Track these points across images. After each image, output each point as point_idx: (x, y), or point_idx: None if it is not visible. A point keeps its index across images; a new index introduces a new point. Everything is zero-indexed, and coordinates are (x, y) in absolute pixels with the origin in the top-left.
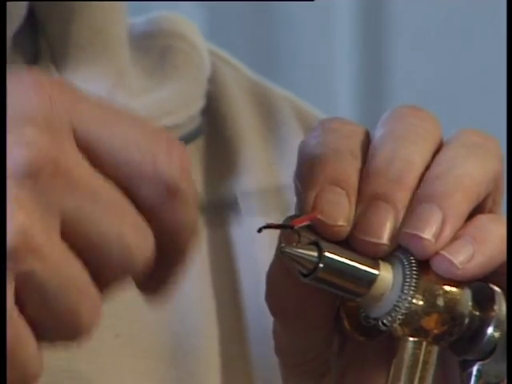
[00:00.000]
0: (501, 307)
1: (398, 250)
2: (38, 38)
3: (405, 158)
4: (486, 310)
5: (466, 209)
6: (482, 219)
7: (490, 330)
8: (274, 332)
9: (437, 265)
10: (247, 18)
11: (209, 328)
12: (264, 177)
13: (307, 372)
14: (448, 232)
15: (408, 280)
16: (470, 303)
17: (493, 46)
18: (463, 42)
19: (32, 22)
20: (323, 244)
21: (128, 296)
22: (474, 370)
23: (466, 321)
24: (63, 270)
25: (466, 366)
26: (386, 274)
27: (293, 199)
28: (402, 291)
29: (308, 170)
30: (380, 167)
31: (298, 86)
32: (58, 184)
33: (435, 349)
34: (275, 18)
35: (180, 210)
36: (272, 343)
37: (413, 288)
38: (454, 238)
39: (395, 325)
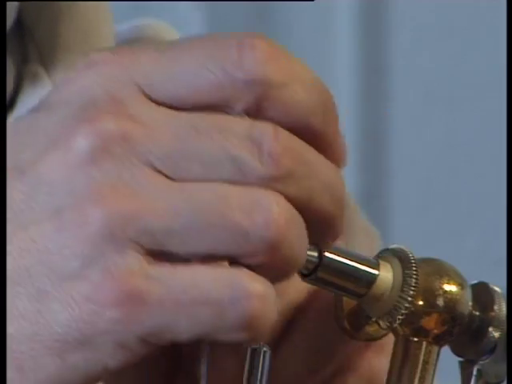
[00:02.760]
0: (501, 307)
1: (398, 250)
2: (26, 40)
3: None
4: (486, 310)
5: None
6: None
7: (490, 330)
8: None
9: None
10: (247, 18)
11: None
12: None
13: None
14: None
15: (408, 280)
16: (470, 303)
17: (493, 46)
18: (463, 41)
19: (20, 23)
20: (323, 244)
21: None
22: (474, 370)
23: (466, 321)
24: None
25: (466, 366)
26: (386, 274)
27: None
28: (402, 291)
29: None
30: None
31: None
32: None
33: (435, 349)
34: (275, 18)
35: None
36: None
37: (413, 288)
38: None
39: (395, 325)
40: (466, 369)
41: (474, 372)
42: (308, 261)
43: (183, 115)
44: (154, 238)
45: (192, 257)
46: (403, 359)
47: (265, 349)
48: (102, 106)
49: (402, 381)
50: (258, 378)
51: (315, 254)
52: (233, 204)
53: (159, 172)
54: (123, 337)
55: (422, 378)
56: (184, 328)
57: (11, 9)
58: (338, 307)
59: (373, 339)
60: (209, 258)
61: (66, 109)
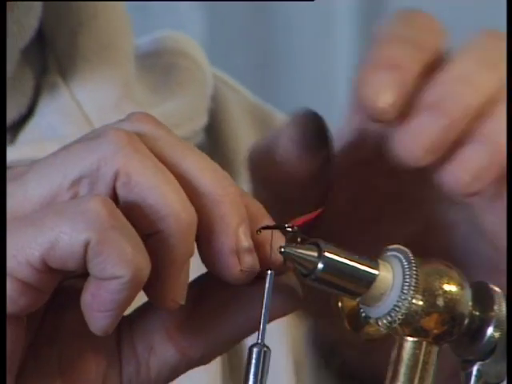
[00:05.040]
0: (501, 307)
1: (398, 250)
2: (47, 52)
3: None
4: (485, 310)
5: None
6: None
7: (489, 330)
8: None
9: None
10: (247, 18)
11: None
12: None
13: None
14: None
15: (408, 280)
16: (469, 303)
17: None
18: (463, 41)
19: (41, 35)
20: (323, 244)
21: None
22: (474, 370)
23: (466, 321)
24: None
25: (466, 366)
26: (385, 274)
27: None
28: (402, 291)
29: (369, 55)
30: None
31: (298, 86)
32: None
33: (435, 349)
34: (275, 18)
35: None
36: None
37: (413, 288)
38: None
39: (395, 325)
40: (465, 369)
41: (474, 372)
42: (308, 261)
43: None
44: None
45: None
46: (403, 359)
47: (265, 349)
48: None
49: (402, 381)
50: (259, 377)
51: (315, 254)
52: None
53: None
54: None
55: (422, 378)
56: (33, 238)
57: (33, 18)
58: (338, 307)
59: (373, 339)
60: None
61: None
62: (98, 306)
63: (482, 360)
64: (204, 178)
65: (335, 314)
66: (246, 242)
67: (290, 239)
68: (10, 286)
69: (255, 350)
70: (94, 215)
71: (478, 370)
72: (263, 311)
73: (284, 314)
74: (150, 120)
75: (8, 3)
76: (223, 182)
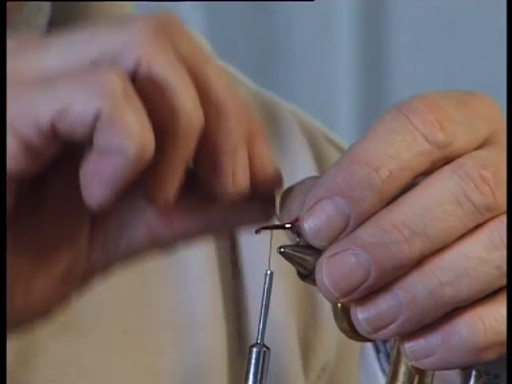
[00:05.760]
0: None
1: None
2: None
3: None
4: None
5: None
6: None
7: None
8: None
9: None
10: (247, 18)
11: (215, 322)
12: None
13: None
14: None
15: None
16: None
17: (493, 46)
18: (463, 41)
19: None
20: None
21: (135, 292)
22: (474, 369)
23: None
24: None
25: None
26: None
27: None
28: None
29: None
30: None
31: (298, 86)
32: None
33: None
34: (275, 18)
35: None
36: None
37: None
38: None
39: None
40: (465, 369)
41: (474, 372)
42: (307, 261)
43: None
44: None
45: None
46: (402, 360)
47: (264, 349)
48: None
49: (402, 381)
50: (258, 377)
51: (314, 254)
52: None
53: None
54: None
55: (422, 378)
56: (45, 101)
57: (42, 17)
58: (337, 308)
59: (372, 340)
60: None
61: None
62: (98, 179)
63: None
64: (219, 88)
65: (335, 314)
66: (242, 162)
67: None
68: (13, 145)
69: (255, 350)
70: (109, 86)
71: (478, 370)
72: (263, 311)
73: (250, 226)
74: (176, 21)
75: (18, 3)
76: (235, 96)
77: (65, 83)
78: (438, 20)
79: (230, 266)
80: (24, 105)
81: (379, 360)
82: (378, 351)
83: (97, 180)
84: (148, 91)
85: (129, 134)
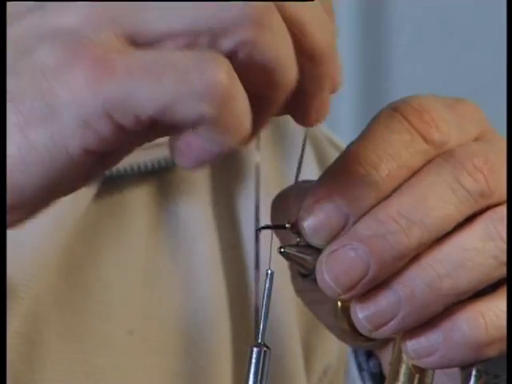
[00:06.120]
0: None
1: None
2: None
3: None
4: None
5: None
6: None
7: None
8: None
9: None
10: None
11: (221, 323)
12: (271, 182)
13: None
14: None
15: None
16: None
17: (493, 46)
18: (463, 41)
19: None
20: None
21: (141, 293)
22: (474, 370)
23: None
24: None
25: (465, 366)
26: None
27: None
28: None
29: None
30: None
31: None
32: None
33: None
34: None
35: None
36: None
37: None
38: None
39: None
40: (465, 369)
41: (474, 372)
42: (307, 261)
43: None
44: (130, 16)
45: (170, 37)
46: (402, 360)
47: (265, 349)
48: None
49: (402, 381)
50: (258, 377)
51: (314, 254)
52: None
53: None
54: (88, 109)
55: (422, 378)
56: (147, 97)
57: None
58: (338, 308)
59: (372, 339)
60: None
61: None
62: (191, 157)
63: (482, 360)
64: (315, 33)
65: (335, 314)
66: (326, 106)
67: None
68: (103, 125)
69: (255, 349)
70: (216, 88)
71: (478, 370)
72: (263, 311)
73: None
74: None
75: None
76: (331, 43)
77: (170, 79)
78: (438, 20)
79: (235, 266)
80: (124, 92)
81: (363, 379)
82: (360, 369)
83: (189, 157)
84: (250, 67)
85: (231, 135)
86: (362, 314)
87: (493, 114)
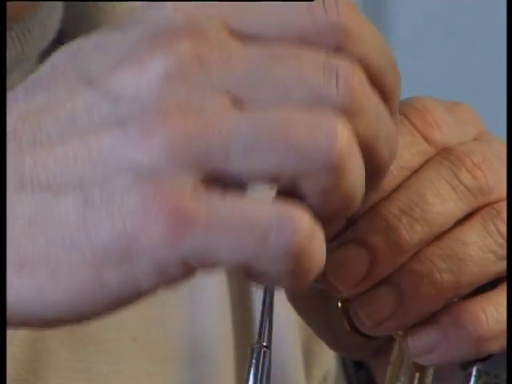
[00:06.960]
0: None
1: None
2: None
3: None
4: None
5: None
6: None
7: None
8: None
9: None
10: None
11: (224, 331)
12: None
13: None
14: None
15: None
16: None
17: (493, 46)
18: (463, 41)
19: (60, 41)
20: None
21: (145, 299)
22: (474, 370)
23: None
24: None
25: (465, 366)
26: None
27: None
28: None
29: None
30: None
31: None
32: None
33: None
34: None
35: None
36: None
37: None
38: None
39: None
40: (465, 369)
41: (474, 372)
42: None
43: (261, 46)
44: (213, 157)
45: (251, 178)
46: (402, 360)
47: (265, 349)
48: (180, 29)
49: (402, 381)
50: (258, 377)
51: None
52: (297, 123)
53: (231, 97)
54: (165, 257)
55: (422, 378)
56: (226, 252)
57: (55, 21)
58: (337, 307)
59: (372, 339)
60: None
61: (142, 29)
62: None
63: (482, 360)
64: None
65: (335, 314)
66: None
67: None
68: (178, 270)
69: (255, 349)
70: (297, 250)
71: (478, 370)
72: (263, 310)
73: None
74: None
75: (32, 3)
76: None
77: (249, 237)
78: (438, 20)
79: (238, 275)
80: (203, 246)
81: None
82: (350, 382)
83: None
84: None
85: (306, 280)
86: (362, 311)
87: (493, 113)
